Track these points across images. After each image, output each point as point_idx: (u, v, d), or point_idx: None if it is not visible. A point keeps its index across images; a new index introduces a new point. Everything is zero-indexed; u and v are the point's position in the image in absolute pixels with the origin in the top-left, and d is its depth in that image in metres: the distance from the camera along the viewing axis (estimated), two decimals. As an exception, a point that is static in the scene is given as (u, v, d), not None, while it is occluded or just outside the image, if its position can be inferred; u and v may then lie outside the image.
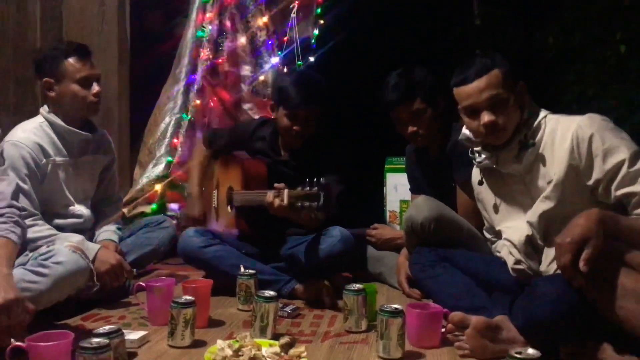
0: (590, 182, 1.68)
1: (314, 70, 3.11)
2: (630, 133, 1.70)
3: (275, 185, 2.03)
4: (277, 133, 2.44)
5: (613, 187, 1.64)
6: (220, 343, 1.55)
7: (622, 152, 1.63)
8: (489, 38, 3.36)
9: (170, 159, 3.23)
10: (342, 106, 2.74)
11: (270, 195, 2.03)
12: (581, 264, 1.38)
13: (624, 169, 1.62)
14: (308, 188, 1.90)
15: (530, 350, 1.33)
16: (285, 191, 1.95)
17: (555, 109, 1.85)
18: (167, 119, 3.24)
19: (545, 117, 1.79)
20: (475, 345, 1.62)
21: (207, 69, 3.26)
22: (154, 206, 3.17)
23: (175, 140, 3.24)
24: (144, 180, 3.21)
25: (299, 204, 1.91)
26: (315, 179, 1.90)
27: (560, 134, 1.73)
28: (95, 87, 2.21)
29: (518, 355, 1.31)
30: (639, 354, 1.40)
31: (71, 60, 2.17)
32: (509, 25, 3.39)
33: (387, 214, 3.02)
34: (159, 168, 3.22)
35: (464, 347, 1.65)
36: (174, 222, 2.71)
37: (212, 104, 3.29)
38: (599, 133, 1.66)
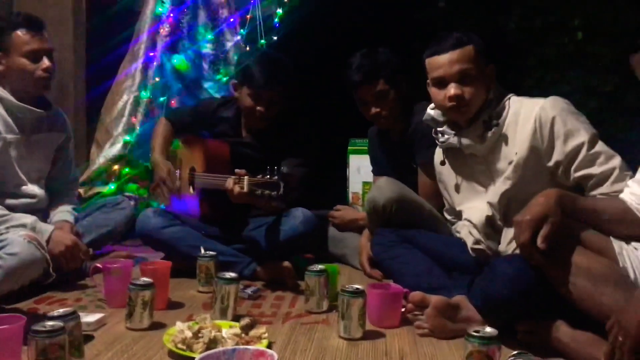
0: (551, 164, 1.71)
1: (277, 49, 3.07)
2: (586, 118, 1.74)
3: (236, 171, 2.00)
4: (240, 113, 2.41)
5: (572, 168, 1.68)
6: (179, 325, 1.52)
7: (582, 135, 1.67)
8: (453, 21, 3.38)
9: (128, 138, 3.15)
10: (305, 87, 2.71)
11: (230, 182, 2.00)
12: (539, 241, 1.41)
13: (583, 152, 1.66)
14: (268, 176, 1.89)
15: (488, 329, 1.35)
16: (246, 178, 1.93)
17: (516, 93, 1.88)
18: (125, 97, 3.16)
19: (509, 99, 1.82)
20: (434, 324, 1.64)
21: (166, 46, 3.17)
22: (111, 186, 3.09)
23: (133, 119, 3.16)
24: (101, 160, 3.13)
25: (259, 192, 1.90)
26: (276, 167, 1.89)
27: (523, 115, 1.76)
28: (46, 62, 2.11)
29: (476, 334, 1.33)
30: (591, 330, 1.43)
31: (19, 32, 2.07)
32: (472, 9, 3.41)
33: (350, 195, 3.03)
34: (117, 147, 3.14)
35: (423, 326, 1.67)
36: (132, 202, 2.65)
37: (171, 81, 3.22)
38: (561, 116, 1.69)
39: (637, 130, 1.58)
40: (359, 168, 2.98)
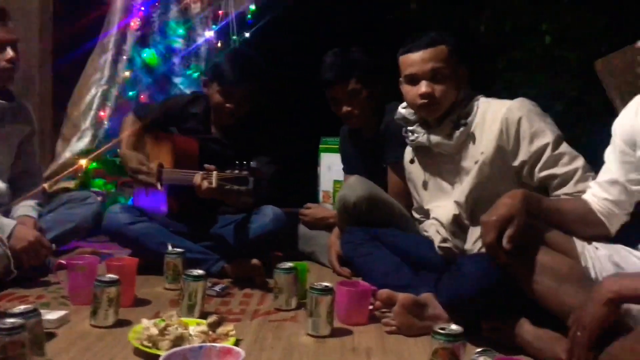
0: (516, 164, 1.75)
1: (249, 46, 3.05)
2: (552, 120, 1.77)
3: (205, 166, 1.98)
4: (209, 109, 2.39)
5: (537, 168, 1.72)
6: (145, 322, 1.50)
7: (547, 136, 1.71)
8: (424, 22, 3.41)
9: (96, 132, 3.09)
10: (277, 84, 2.71)
11: (198, 177, 1.98)
12: (504, 242, 1.43)
13: (548, 152, 1.70)
14: (237, 171, 1.88)
15: (454, 326, 1.37)
16: (214, 173, 1.92)
17: (485, 95, 1.91)
18: (93, 91, 3.09)
19: (478, 99, 1.86)
20: (401, 321, 1.66)
21: (137, 39, 3.12)
22: (77, 182, 3.02)
23: (101, 113, 3.10)
24: (67, 155, 3.06)
25: (228, 187, 1.88)
26: (245, 162, 1.87)
27: (490, 116, 1.80)
28: (10, 53, 2.05)
29: (442, 331, 1.34)
30: (554, 328, 1.47)
31: None
32: (444, 11, 3.45)
33: (321, 193, 3.03)
34: (84, 142, 3.08)
35: (390, 323, 1.68)
36: (99, 198, 2.60)
37: (141, 76, 3.17)
38: (527, 117, 1.73)
39: (601, 134, 1.63)
40: (330, 166, 2.98)
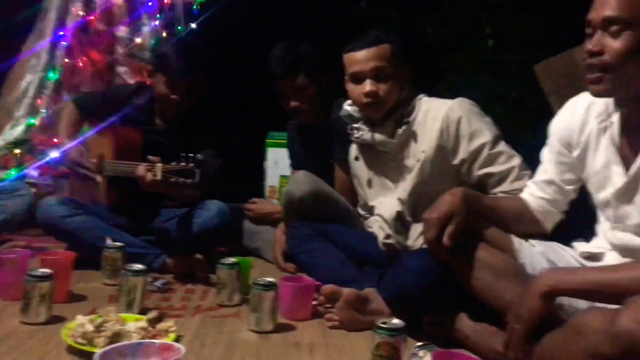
0: (456, 162, 1.80)
1: (196, 37, 2.99)
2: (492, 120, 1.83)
3: (150, 158, 1.93)
4: (154, 100, 2.33)
5: (475, 167, 1.78)
6: (80, 318, 1.45)
7: (485, 135, 1.77)
8: (372, 21, 3.44)
9: (31, 121, 2.95)
10: (224, 77, 2.66)
11: (141, 169, 1.93)
12: (445, 239, 1.46)
13: (486, 151, 1.76)
14: (183, 163, 1.84)
15: (395, 321, 1.39)
16: (159, 165, 1.87)
17: (430, 95, 1.95)
18: (29, 77, 2.95)
19: (420, 99, 1.90)
20: (344, 316, 1.67)
21: (77, 26, 3.00)
22: (10, 172, 2.88)
23: (38, 101, 2.96)
24: (0, 143, 2.91)
25: (173, 180, 1.84)
26: (191, 154, 1.84)
27: (432, 115, 1.84)
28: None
29: (383, 326, 1.36)
30: (492, 323, 1.51)
31: None
32: (392, 11, 3.49)
33: (267, 188, 3.01)
34: (18, 130, 2.93)
35: (333, 318, 1.69)
36: (33, 189, 2.49)
37: (81, 64, 3.04)
38: (466, 116, 1.78)
39: (538, 135, 1.70)
40: (277, 161, 2.96)
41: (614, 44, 1.30)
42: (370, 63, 1.82)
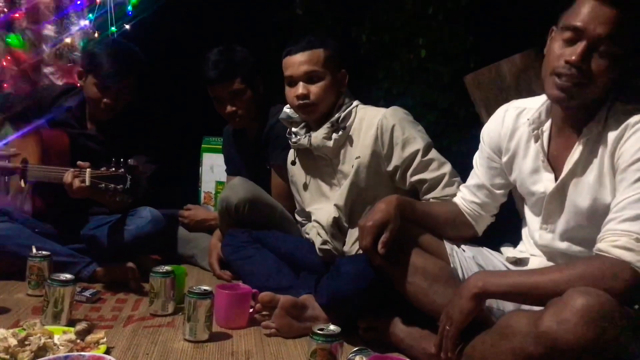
0: (390, 168, 1.85)
1: (128, 38, 2.90)
2: (424, 130, 1.89)
3: (78, 163, 1.86)
4: (84, 103, 2.25)
5: (408, 173, 1.84)
6: (2, 332, 1.37)
7: (418, 142, 1.83)
8: (309, 28, 3.46)
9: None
10: (157, 80, 2.60)
11: (69, 175, 1.85)
12: (379, 247, 1.49)
13: (418, 158, 1.82)
14: (113, 169, 1.78)
15: (332, 327, 1.41)
16: (88, 171, 1.80)
17: (365, 103, 1.99)
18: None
19: (357, 106, 1.94)
20: (281, 323, 1.67)
21: (1, 23, 2.85)
22: None
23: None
24: None
25: (103, 186, 1.78)
26: (122, 160, 1.78)
27: (367, 122, 1.89)
28: None
29: (320, 332, 1.37)
30: (424, 326, 1.55)
31: None
32: (328, 19, 3.53)
33: (202, 194, 2.97)
34: None
35: (270, 326, 1.69)
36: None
37: (4, 63, 2.89)
38: (400, 124, 1.84)
39: (468, 143, 1.77)
40: (213, 167, 2.93)
41: (601, 64, 1.26)
42: (302, 67, 1.88)
